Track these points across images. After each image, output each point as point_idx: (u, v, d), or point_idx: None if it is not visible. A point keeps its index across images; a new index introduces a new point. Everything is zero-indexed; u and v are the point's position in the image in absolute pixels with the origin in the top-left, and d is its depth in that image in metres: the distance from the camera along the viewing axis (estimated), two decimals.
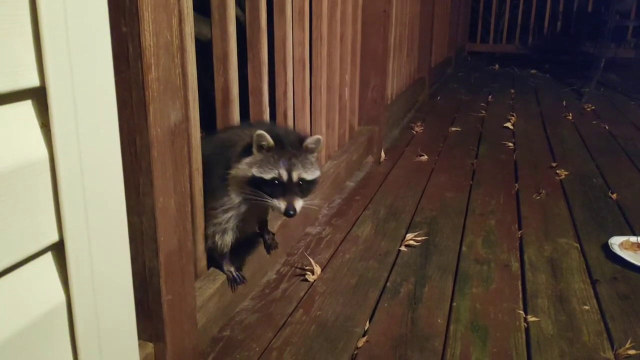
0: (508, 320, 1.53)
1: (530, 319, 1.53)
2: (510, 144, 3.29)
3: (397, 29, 3.30)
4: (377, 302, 1.61)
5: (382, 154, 2.92)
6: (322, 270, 1.75)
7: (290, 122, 1.83)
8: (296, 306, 1.57)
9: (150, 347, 1.12)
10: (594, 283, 1.72)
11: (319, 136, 1.38)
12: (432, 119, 3.90)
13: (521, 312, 1.56)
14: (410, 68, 3.93)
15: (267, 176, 1.30)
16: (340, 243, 1.96)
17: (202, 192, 1.34)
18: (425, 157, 2.99)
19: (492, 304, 1.60)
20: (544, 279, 1.74)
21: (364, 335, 1.44)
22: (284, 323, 1.49)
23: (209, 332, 1.38)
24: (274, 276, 1.72)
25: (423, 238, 2.00)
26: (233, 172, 1.33)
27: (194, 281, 1.33)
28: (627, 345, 1.39)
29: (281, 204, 1.30)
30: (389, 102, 3.27)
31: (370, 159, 2.80)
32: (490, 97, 4.79)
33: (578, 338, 1.45)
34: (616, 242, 1.93)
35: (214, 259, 1.46)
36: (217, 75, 1.44)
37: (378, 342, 1.42)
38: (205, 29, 1.55)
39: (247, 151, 1.32)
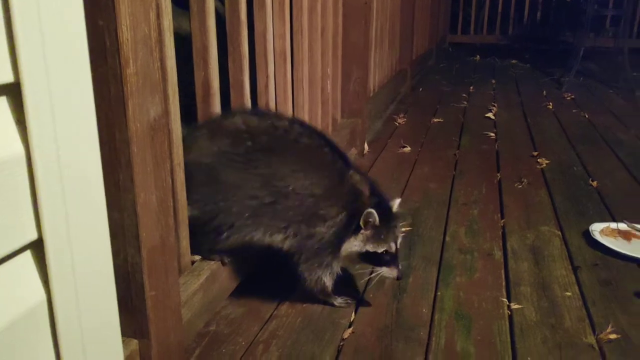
0: (492, 308, 1.54)
1: (514, 306, 1.54)
2: (492, 134, 3.31)
3: (379, 21, 3.30)
4: (363, 293, 1.61)
5: (365, 146, 2.93)
6: None
7: None
8: (282, 299, 1.57)
9: (134, 343, 1.11)
10: (575, 270, 1.74)
11: (399, 199, 1.54)
12: (414, 111, 3.92)
13: (504, 299, 1.58)
14: (392, 60, 3.94)
15: (380, 250, 1.45)
16: None
17: (185, 187, 1.33)
18: (408, 148, 3.00)
19: (476, 293, 1.62)
20: (527, 266, 1.77)
21: (349, 327, 1.45)
22: (270, 316, 1.49)
23: (194, 327, 1.38)
24: (259, 270, 1.72)
25: (407, 229, 2.01)
26: (346, 245, 1.45)
27: (178, 276, 1.32)
28: (608, 330, 1.42)
29: (393, 272, 1.47)
30: (371, 94, 3.27)
31: (353, 151, 2.81)
32: (471, 87, 4.82)
33: (560, 324, 1.47)
34: (597, 229, 1.96)
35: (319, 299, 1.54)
36: (197, 69, 1.42)
37: (364, 332, 1.43)
38: (185, 22, 1.53)
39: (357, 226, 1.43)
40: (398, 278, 1.48)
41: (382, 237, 1.44)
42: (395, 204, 1.52)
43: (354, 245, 1.45)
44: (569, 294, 1.61)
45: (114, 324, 0.95)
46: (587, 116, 3.80)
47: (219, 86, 1.47)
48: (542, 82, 5.14)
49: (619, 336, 1.40)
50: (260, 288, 1.62)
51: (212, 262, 1.44)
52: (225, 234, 1.41)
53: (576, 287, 1.65)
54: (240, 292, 1.59)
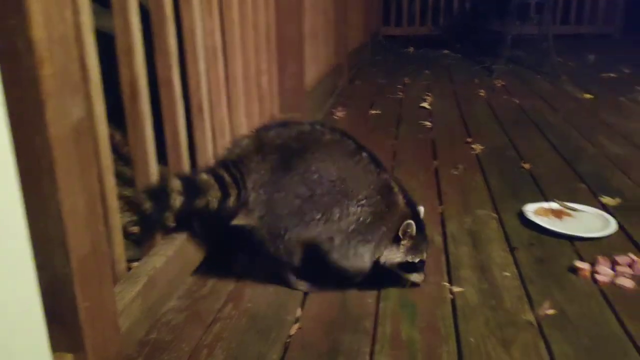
0: (435, 294, 1.57)
1: (455, 290, 1.58)
2: (428, 123, 3.38)
3: (311, 15, 3.29)
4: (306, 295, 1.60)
5: None
6: (251, 262, 1.72)
7: (206, 115, 1.77)
8: (225, 301, 1.54)
9: (69, 357, 1.06)
10: (512, 250, 1.80)
11: (422, 208, 1.61)
12: (352, 104, 3.94)
13: (446, 284, 1.61)
14: (327, 54, 3.94)
15: (417, 260, 1.54)
16: None
17: (115, 191, 1.28)
18: None
19: None
20: (466, 250, 1.81)
21: (296, 322, 1.43)
22: (214, 319, 1.46)
23: (134, 336, 1.33)
24: (202, 273, 1.68)
25: None
26: (388, 255, 1.53)
27: (114, 285, 1.27)
28: (545, 306, 1.47)
29: (420, 277, 1.57)
30: (308, 89, 3.26)
31: None
32: (406, 79, 4.90)
33: (500, 304, 1.51)
34: (530, 210, 2.03)
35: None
36: (122, 68, 1.36)
37: (310, 328, 1.42)
38: (109, 20, 1.46)
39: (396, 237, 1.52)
40: (419, 283, 1.58)
41: (419, 247, 1.54)
42: (422, 211, 1.60)
43: (396, 256, 1.53)
44: (507, 274, 1.66)
45: (41, 340, 0.90)
46: (517, 101, 3.94)
47: (146, 85, 1.41)
48: (474, 70, 5.29)
49: (555, 311, 1.46)
50: (203, 291, 1.58)
51: (150, 268, 1.39)
52: (292, 241, 1.50)
53: (514, 267, 1.70)
54: (182, 297, 1.55)
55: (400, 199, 1.56)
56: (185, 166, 1.64)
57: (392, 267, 1.55)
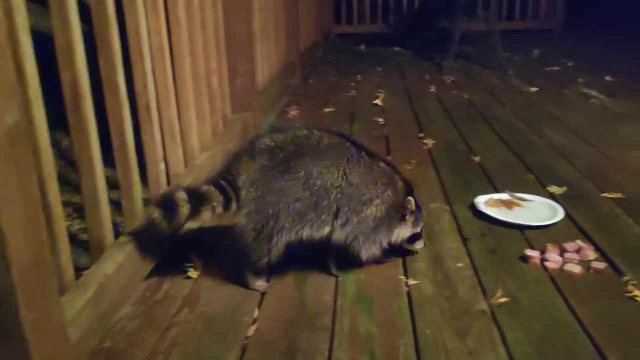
0: (391, 287, 1.58)
1: (411, 282, 1.59)
2: (381, 120, 3.41)
3: (261, 14, 3.27)
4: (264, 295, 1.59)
5: None
6: (205, 265, 1.70)
7: (154, 115, 1.73)
8: (181, 305, 1.51)
9: None
10: (465, 241, 1.83)
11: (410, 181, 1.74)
12: (306, 102, 3.93)
13: (402, 277, 1.63)
14: (279, 53, 3.92)
15: (419, 230, 1.71)
16: (224, 235, 1.90)
17: (59, 198, 1.23)
18: None
19: (376, 274, 1.65)
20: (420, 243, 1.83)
21: (253, 323, 1.42)
22: (169, 324, 1.43)
23: (86, 346, 1.28)
24: (155, 278, 1.64)
25: None
26: (399, 232, 1.67)
27: (61, 294, 1.22)
28: (498, 295, 1.50)
29: (421, 243, 1.75)
30: (261, 88, 3.24)
31: None
32: (359, 76, 4.93)
33: (455, 294, 1.54)
34: (481, 201, 2.08)
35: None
36: (62, 70, 1.32)
37: (268, 327, 1.41)
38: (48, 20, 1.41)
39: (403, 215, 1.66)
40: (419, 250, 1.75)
41: (418, 218, 1.69)
42: (412, 187, 1.72)
43: (406, 231, 1.68)
44: (460, 265, 1.69)
45: None
46: (466, 96, 4.03)
47: (89, 87, 1.37)
48: (424, 67, 5.37)
49: (508, 299, 1.49)
50: (157, 296, 1.55)
51: (100, 275, 1.35)
52: (275, 239, 1.52)
53: (467, 258, 1.73)
54: (135, 303, 1.51)
55: (400, 183, 1.69)
56: (133, 169, 1.60)
57: (402, 242, 1.70)
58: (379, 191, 1.61)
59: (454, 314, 1.44)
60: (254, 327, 1.40)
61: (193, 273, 1.65)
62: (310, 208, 1.53)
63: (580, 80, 4.45)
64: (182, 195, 1.46)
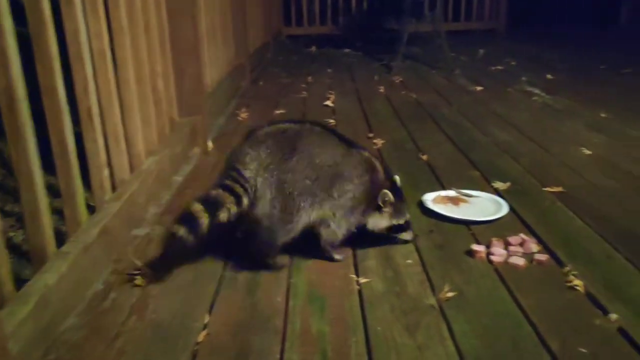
0: (343, 286, 1.60)
1: (362, 280, 1.61)
2: (332, 121, 3.43)
3: (208, 16, 3.24)
4: (216, 293, 1.57)
5: (210, 143, 2.86)
6: (154, 272, 1.66)
7: (96, 120, 1.69)
8: (128, 313, 1.48)
9: None
10: (413, 238, 1.86)
11: (398, 177, 1.81)
12: (256, 104, 3.92)
13: (353, 276, 1.64)
14: (227, 55, 3.89)
15: (401, 221, 1.76)
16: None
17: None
18: None
19: (327, 274, 1.66)
20: (371, 241, 1.85)
21: (204, 329, 1.40)
22: (116, 333, 1.39)
23: (28, 359, 1.24)
24: (102, 286, 1.60)
25: None
26: (373, 221, 1.75)
27: (0, 307, 1.18)
28: (446, 289, 1.54)
29: (410, 235, 1.80)
30: (209, 90, 3.20)
31: (197, 150, 2.73)
32: (309, 77, 4.95)
33: (404, 290, 1.56)
34: (429, 198, 2.12)
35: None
36: None
37: (219, 332, 1.39)
38: None
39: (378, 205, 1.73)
40: (412, 240, 1.80)
41: (401, 210, 1.75)
42: (398, 179, 1.79)
43: (382, 222, 1.74)
44: (410, 261, 1.72)
45: None
46: (414, 96, 4.10)
47: (25, 93, 1.32)
48: (374, 67, 5.44)
49: (455, 293, 1.53)
50: (104, 305, 1.51)
51: (41, 286, 1.31)
52: (295, 217, 1.62)
53: (416, 255, 1.76)
54: (81, 313, 1.47)
55: (381, 173, 1.76)
56: (75, 176, 1.56)
57: (382, 232, 1.76)
58: (358, 172, 1.71)
59: (404, 310, 1.47)
60: (204, 333, 1.38)
61: (140, 281, 1.61)
62: (316, 186, 1.64)
63: (523, 78, 4.61)
64: (198, 207, 1.51)
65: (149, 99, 2.18)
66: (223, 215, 1.54)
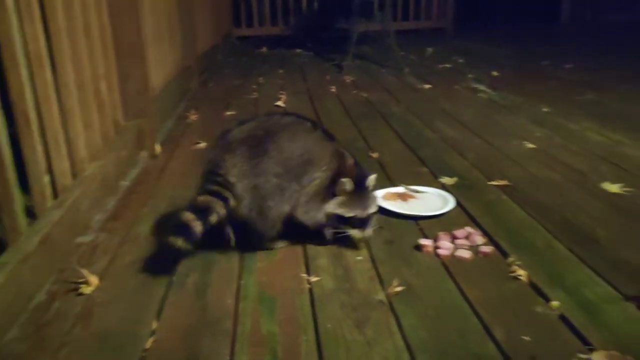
0: (293, 286, 1.59)
1: (313, 279, 1.61)
2: None
3: (153, 17, 3.18)
4: (164, 298, 1.54)
5: (157, 147, 2.81)
6: (100, 280, 1.62)
7: (34, 125, 1.63)
8: (73, 323, 1.43)
9: None
10: (364, 237, 1.88)
11: (374, 176, 1.78)
12: (206, 106, 3.87)
13: (304, 275, 1.65)
14: (175, 56, 3.83)
15: (348, 214, 1.72)
16: (119, 247, 1.84)
17: None
18: (203, 144, 2.96)
19: (278, 274, 1.66)
20: None
21: (152, 335, 1.38)
22: (61, 344, 1.35)
23: None
24: (45, 297, 1.55)
25: None
26: (326, 206, 1.73)
27: None
28: (395, 284, 1.56)
29: (359, 233, 1.74)
30: (156, 93, 3.15)
31: (144, 154, 2.68)
32: (260, 78, 4.93)
33: (354, 287, 1.58)
34: (379, 195, 2.13)
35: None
36: None
37: (168, 338, 1.37)
38: None
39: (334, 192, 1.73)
40: (362, 239, 1.75)
41: (353, 203, 1.72)
42: (371, 178, 1.77)
43: (331, 207, 1.72)
44: (360, 258, 1.74)
45: None
46: (365, 95, 4.14)
47: None
48: (325, 67, 5.47)
49: (403, 288, 1.55)
50: (47, 316, 1.46)
51: None
52: (270, 216, 1.71)
53: (365, 251, 1.78)
54: (23, 325, 1.41)
55: (350, 163, 1.79)
56: (12, 184, 1.50)
57: (330, 218, 1.74)
58: (327, 160, 1.74)
59: (354, 307, 1.48)
60: (152, 339, 1.36)
61: (86, 289, 1.57)
62: (285, 180, 1.69)
63: (469, 76, 4.73)
64: (189, 216, 1.59)
65: (92, 103, 2.13)
66: (213, 218, 1.62)
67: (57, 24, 1.85)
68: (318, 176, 1.73)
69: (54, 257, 1.64)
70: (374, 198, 1.79)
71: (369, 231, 1.76)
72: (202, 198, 1.64)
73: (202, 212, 1.61)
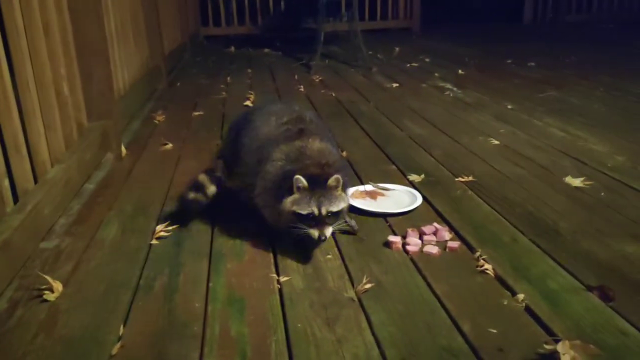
0: (263, 286, 1.59)
1: (282, 279, 1.61)
2: None
3: (117, 16, 3.12)
4: (131, 303, 1.52)
5: (123, 148, 2.76)
6: (64, 286, 1.58)
7: None
8: (36, 331, 1.40)
9: None
10: (333, 233, 1.87)
11: (338, 176, 1.70)
12: (173, 107, 3.83)
13: (274, 275, 1.64)
14: (141, 56, 3.78)
15: (304, 212, 1.66)
16: (84, 251, 1.80)
17: None
18: (170, 145, 2.92)
19: (247, 275, 1.65)
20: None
21: (118, 341, 1.35)
22: (23, 353, 1.31)
23: None
24: (6, 305, 1.50)
25: (174, 227, 1.95)
26: (282, 205, 1.70)
27: None
28: (364, 281, 1.56)
29: (315, 232, 1.66)
30: (122, 93, 3.10)
31: (109, 156, 2.63)
32: (229, 78, 4.90)
33: (324, 285, 1.58)
34: (348, 193, 2.14)
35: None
36: None
37: (135, 343, 1.35)
38: None
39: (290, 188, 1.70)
40: (318, 239, 1.66)
41: (308, 201, 1.66)
42: (333, 179, 1.70)
43: (284, 205, 1.69)
44: (329, 256, 1.74)
45: None
46: (334, 94, 4.15)
47: None
48: (293, 67, 5.46)
49: (373, 284, 1.56)
50: (10, 324, 1.42)
51: None
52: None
53: (335, 249, 1.78)
54: None
55: (312, 161, 1.75)
56: None
57: (288, 215, 1.69)
58: (279, 156, 1.78)
59: (324, 305, 1.48)
60: (118, 345, 1.33)
61: (50, 296, 1.53)
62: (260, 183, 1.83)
63: (436, 74, 4.79)
64: (205, 178, 1.98)
65: (53, 104, 2.07)
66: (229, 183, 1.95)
67: (14, 21, 1.80)
68: (269, 171, 1.77)
69: (15, 263, 1.60)
70: (337, 196, 1.71)
71: (328, 230, 1.66)
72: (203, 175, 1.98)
73: (216, 179, 1.96)
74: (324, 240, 1.67)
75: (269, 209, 1.79)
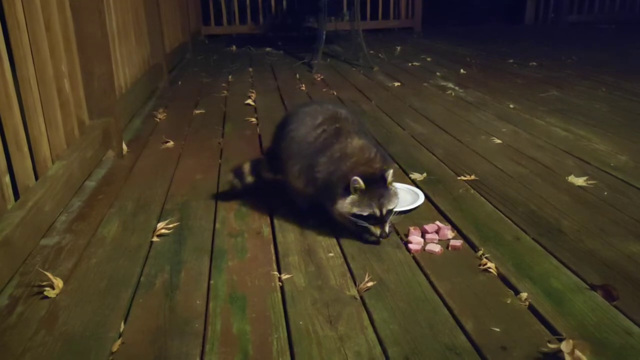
0: (264, 284, 1.58)
1: (284, 277, 1.60)
2: (253, 119, 3.40)
3: (118, 14, 3.12)
4: (132, 300, 1.51)
5: (124, 146, 2.76)
6: (64, 283, 1.57)
7: None
8: (37, 328, 1.39)
9: None
10: (381, 236, 1.85)
11: (392, 170, 1.74)
12: (175, 105, 3.82)
13: (275, 272, 1.63)
14: (143, 54, 3.77)
15: (365, 213, 1.70)
16: (85, 248, 1.79)
17: None
18: (172, 143, 2.92)
19: (248, 272, 1.64)
20: (293, 237, 1.85)
21: (119, 338, 1.34)
22: (23, 349, 1.31)
23: None
24: (6, 301, 1.50)
25: (175, 224, 1.94)
26: (338, 206, 1.74)
27: None
28: (366, 279, 1.56)
29: (377, 231, 1.72)
30: (123, 91, 3.09)
31: (111, 153, 2.62)
32: (230, 77, 4.89)
33: (326, 283, 1.57)
34: None
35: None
36: None
37: (135, 340, 1.34)
38: None
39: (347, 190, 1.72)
40: (381, 236, 1.72)
41: (368, 201, 1.69)
42: (389, 174, 1.73)
43: (344, 206, 1.71)
44: (331, 254, 1.73)
45: None
46: (335, 93, 4.14)
47: None
48: (295, 66, 5.45)
49: (375, 283, 1.55)
50: (10, 321, 1.41)
51: None
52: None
53: (337, 248, 1.78)
54: None
55: (354, 159, 1.75)
56: None
57: (347, 216, 1.73)
58: (329, 153, 1.80)
59: (326, 303, 1.47)
60: (119, 342, 1.32)
61: (50, 292, 1.52)
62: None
63: (438, 74, 4.78)
64: (247, 167, 2.12)
65: (54, 101, 2.07)
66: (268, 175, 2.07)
67: (15, 18, 1.79)
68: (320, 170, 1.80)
69: (15, 259, 1.59)
70: (393, 193, 1.75)
71: (388, 228, 1.73)
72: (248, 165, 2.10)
73: (256, 168, 2.08)
74: (385, 238, 1.75)
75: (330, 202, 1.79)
